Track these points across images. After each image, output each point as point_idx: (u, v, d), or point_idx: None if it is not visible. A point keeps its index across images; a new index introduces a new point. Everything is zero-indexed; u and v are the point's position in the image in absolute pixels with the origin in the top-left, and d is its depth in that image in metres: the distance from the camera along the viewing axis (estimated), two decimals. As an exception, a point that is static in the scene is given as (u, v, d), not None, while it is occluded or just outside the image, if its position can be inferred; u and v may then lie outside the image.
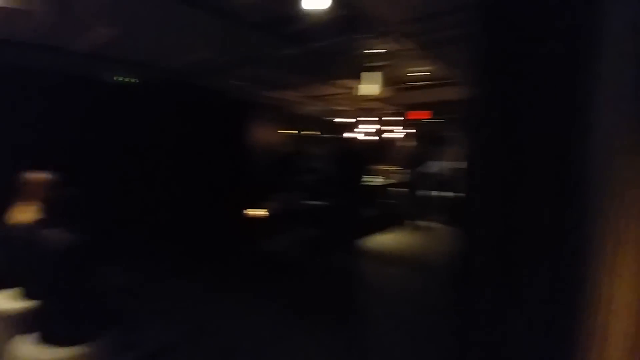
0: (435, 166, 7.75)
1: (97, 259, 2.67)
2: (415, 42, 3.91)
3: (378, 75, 4.87)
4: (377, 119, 8.43)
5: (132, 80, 4.60)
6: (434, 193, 7.65)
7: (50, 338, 2.13)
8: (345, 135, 8.49)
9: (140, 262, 4.36)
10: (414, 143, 8.52)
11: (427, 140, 8.18)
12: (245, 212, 5.55)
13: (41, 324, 2.19)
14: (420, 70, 5.34)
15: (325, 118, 8.51)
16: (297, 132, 8.05)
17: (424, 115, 8.14)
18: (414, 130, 8.64)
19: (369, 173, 7.58)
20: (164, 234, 4.98)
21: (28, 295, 2.53)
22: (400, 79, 5.86)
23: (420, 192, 7.59)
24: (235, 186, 6.14)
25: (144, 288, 3.92)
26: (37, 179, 2.76)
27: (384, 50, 4.30)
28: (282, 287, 4.31)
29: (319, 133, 8.62)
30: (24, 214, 2.64)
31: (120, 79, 4.54)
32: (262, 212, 5.53)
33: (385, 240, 6.47)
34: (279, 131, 7.54)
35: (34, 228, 2.48)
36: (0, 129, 3.81)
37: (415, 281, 4.62)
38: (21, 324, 2.35)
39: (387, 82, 5.25)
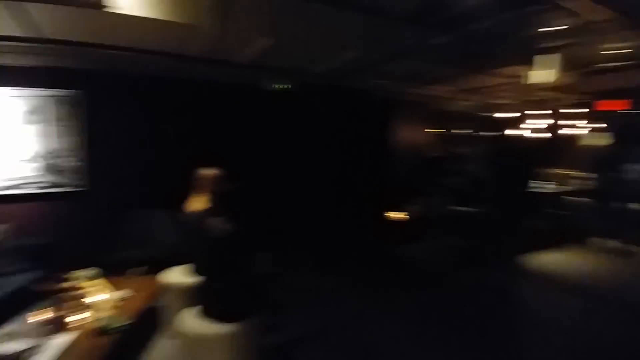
0: (637, 171, 5.90)
1: (252, 248, 2.97)
2: (613, 9, 2.95)
3: (556, 58, 3.93)
4: (551, 111, 6.94)
5: (287, 86, 4.98)
6: (635, 206, 5.82)
7: (210, 313, 2.40)
8: (507, 132, 7.31)
9: (287, 254, 4.69)
10: (605, 141, 6.70)
11: (625, 136, 6.30)
12: (386, 214, 5.37)
13: (203, 300, 2.51)
14: (617, 48, 4.08)
15: (481, 114, 7.53)
16: (446, 130, 7.38)
17: (620, 105, 6.28)
18: (605, 125, 6.78)
19: (537, 177, 6.33)
20: (311, 230, 5.25)
21: (196, 272, 2.99)
22: (586, 61, 4.62)
23: (614, 204, 5.90)
24: (378, 187, 6.03)
25: (288, 279, 4.20)
26: (207, 175, 3.22)
27: (566, 27, 3.42)
28: (418, 296, 3.96)
29: (472, 131, 7.69)
30: (197, 203, 3.11)
31: (278, 86, 4.97)
32: (403, 215, 5.25)
33: (556, 260, 5.26)
34: (425, 130, 7.06)
35: (203, 215, 2.90)
36: (179, 133, 4.70)
37: (598, 317, 3.56)
38: (190, 297, 2.77)
39: (569, 65, 4.20)
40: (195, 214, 3.02)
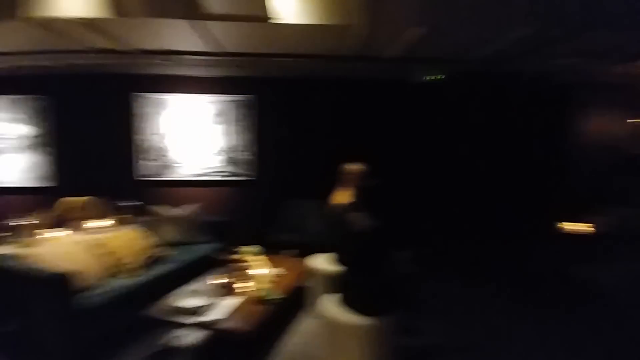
0: None
1: (393, 245, 2.92)
2: None
3: None
4: None
5: (439, 77, 4.66)
6: None
7: (347, 303, 2.48)
8: None
9: (431, 256, 4.43)
10: None
11: None
12: (561, 224, 4.46)
13: (342, 289, 2.60)
14: None
15: None
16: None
17: None
18: None
19: None
20: (459, 233, 4.84)
21: (338, 262, 3.13)
22: None
23: None
24: (553, 190, 5.05)
25: (431, 282, 3.96)
26: (353, 169, 3.32)
27: None
28: (598, 331, 3.11)
29: None
30: (342, 196, 3.24)
31: (429, 77, 4.71)
32: (585, 227, 4.25)
33: None
34: (628, 120, 5.49)
35: (346, 209, 3.01)
36: (331, 129, 4.95)
37: None
38: (332, 283, 2.92)
39: None
40: (339, 207, 3.15)
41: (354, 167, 3.32)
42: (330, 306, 2.53)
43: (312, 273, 3.36)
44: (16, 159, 4.66)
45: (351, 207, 3.01)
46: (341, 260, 3.02)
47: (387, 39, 3.39)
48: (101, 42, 3.38)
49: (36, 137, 4.65)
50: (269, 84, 4.77)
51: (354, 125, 4.96)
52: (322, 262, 3.38)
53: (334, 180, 3.37)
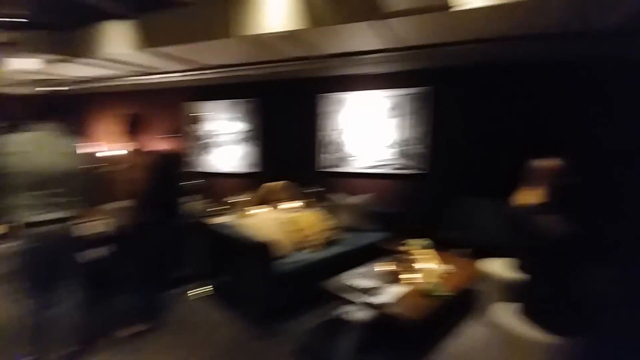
0: None
1: (591, 255, 2.42)
2: None
3: None
4: None
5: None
6: None
7: (531, 315, 2.23)
8: None
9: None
10: None
11: None
12: None
13: (525, 299, 2.34)
14: None
15: None
16: None
17: None
18: None
19: None
20: None
21: (521, 269, 2.78)
22: None
23: None
24: None
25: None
26: (545, 166, 2.87)
27: None
28: None
29: None
30: (528, 196, 2.84)
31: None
32: None
33: None
34: None
35: (535, 211, 2.63)
36: (516, 121, 4.30)
37: None
38: (508, 291, 2.64)
39: None
40: (526, 208, 2.79)
41: (546, 162, 2.87)
42: (507, 316, 2.31)
43: (485, 276, 3.12)
44: (234, 150, 5.97)
45: (541, 208, 2.62)
46: (524, 268, 2.69)
47: (603, 7, 2.74)
48: (296, 51, 3.94)
49: (248, 132, 5.83)
50: (446, 75, 4.56)
51: (547, 114, 4.21)
52: (499, 267, 3.10)
53: (515, 178, 2.99)
